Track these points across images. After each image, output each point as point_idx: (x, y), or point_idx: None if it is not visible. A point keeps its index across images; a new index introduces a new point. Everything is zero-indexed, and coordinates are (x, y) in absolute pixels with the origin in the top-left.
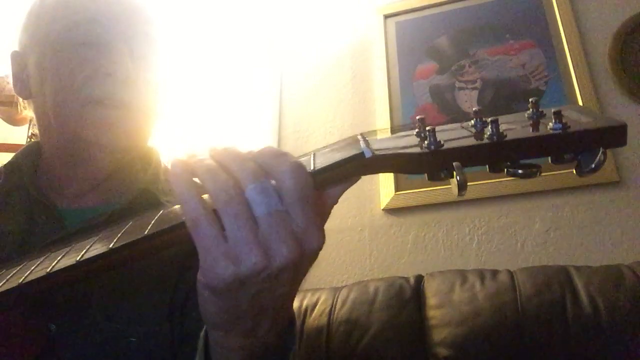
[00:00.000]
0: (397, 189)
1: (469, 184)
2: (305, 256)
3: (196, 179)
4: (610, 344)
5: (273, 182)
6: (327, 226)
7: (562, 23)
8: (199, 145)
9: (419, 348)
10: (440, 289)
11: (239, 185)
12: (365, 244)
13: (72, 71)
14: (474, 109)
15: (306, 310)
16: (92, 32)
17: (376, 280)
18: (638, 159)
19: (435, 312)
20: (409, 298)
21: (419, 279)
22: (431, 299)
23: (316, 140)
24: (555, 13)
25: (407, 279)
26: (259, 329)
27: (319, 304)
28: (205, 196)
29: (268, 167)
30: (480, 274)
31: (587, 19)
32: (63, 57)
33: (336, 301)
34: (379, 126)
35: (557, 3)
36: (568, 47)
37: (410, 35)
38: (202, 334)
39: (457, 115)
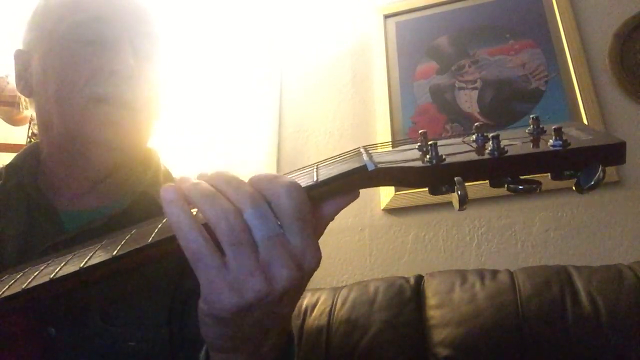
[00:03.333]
0: (397, 189)
1: (469, 183)
2: (305, 276)
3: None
4: (610, 344)
5: (269, 204)
6: (328, 226)
7: (562, 23)
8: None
9: (419, 348)
10: (440, 289)
11: (238, 211)
12: (365, 244)
13: (76, 69)
14: (476, 124)
15: (306, 310)
16: (96, 30)
17: (376, 280)
18: (638, 159)
19: (435, 312)
20: (409, 298)
21: (419, 279)
22: (431, 299)
23: (316, 141)
24: (555, 13)
25: (407, 279)
26: (262, 349)
27: (319, 304)
28: (195, 212)
29: (264, 190)
30: (480, 274)
31: (587, 19)
32: (67, 55)
33: (336, 301)
34: (379, 126)
35: (557, 3)
36: (568, 47)
37: (410, 35)
38: (203, 351)
39: (457, 116)
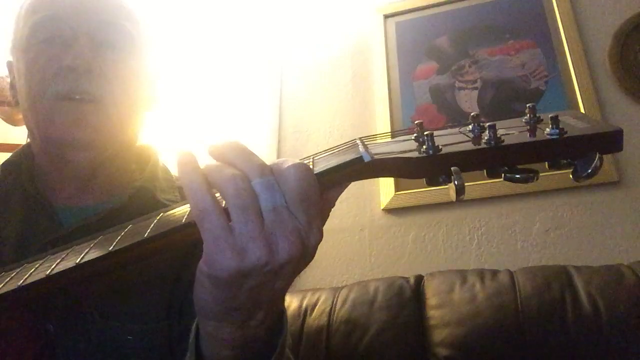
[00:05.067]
0: (397, 189)
1: (469, 183)
2: (306, 252)
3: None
4: (610, 344)
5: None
6: (327, 226)
7: (562, 23)
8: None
9: (419, 348)
10: (440, 289)
11: (246, 177)
12: (365, 244)
13: (39, 70)
14: (472, 113)
15: (306, 310)
16: (54, 28)
17: (376, 280)
18: (638, 159)
19: (435, 312)
20: (409, 298)
21: (419, 279)
22: (431, 299)
23: (316, 140)
24: (555, 13)
25: (407, 279)
26: (251, 321)
27: (319, 304)
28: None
29: (274, 168)
30: (480, 274)
31: (587, 19)
32: (31, 57)
33: (336, 301)
34: (379, 126)
35: (557, 3)
36: (568, 47)
37: (410, 35)
38: (193, 326)
39: (457, 116)
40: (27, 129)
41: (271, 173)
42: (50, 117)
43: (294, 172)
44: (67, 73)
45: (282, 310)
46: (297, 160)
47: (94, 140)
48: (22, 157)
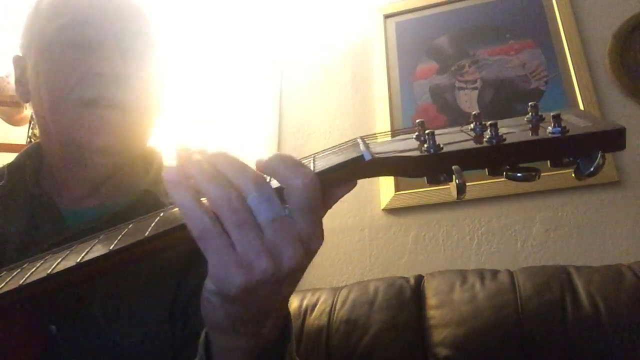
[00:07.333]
0: (397, 189)
1: (469, 183)
2: (309, 257)
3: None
4: (610, 344)
5: (275, 185)
6: (327, 226)
7: (562, 23)
8: (194, 144)
9: (419, 348)
10: (440, 289)
11: (241, 194)
12: (365, 244)
13: (64, 73)
14: (473, 112)
15: (306, 310)
16: (83, 32)
17: (376, 280)
18: (638, 159)
19: (435, 312)
20: (409, 298)
21: (419, 279)
22: (431, 299)
23: (316, 140)
24: (555, 13)
25: (407, 279)
26: (264, 329)
27: (319, 304)
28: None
29: (282, 176)
30: (480, 274)
31: (587, 19)
32: (55, 59)
33: (336, 301)
34: (379, 126)
35: (557, 3)
36: (568, 47)
37: (410, 35)
38: (202, 337)
39: (457, 116)
40: (41, 130)
41: (267, 182)
42: (75, 122)
43: (302, 185)
44: (94, 79)
45: (288, 312)
46: (307, 170)
47: (118, 145)
48: (28, 158)
